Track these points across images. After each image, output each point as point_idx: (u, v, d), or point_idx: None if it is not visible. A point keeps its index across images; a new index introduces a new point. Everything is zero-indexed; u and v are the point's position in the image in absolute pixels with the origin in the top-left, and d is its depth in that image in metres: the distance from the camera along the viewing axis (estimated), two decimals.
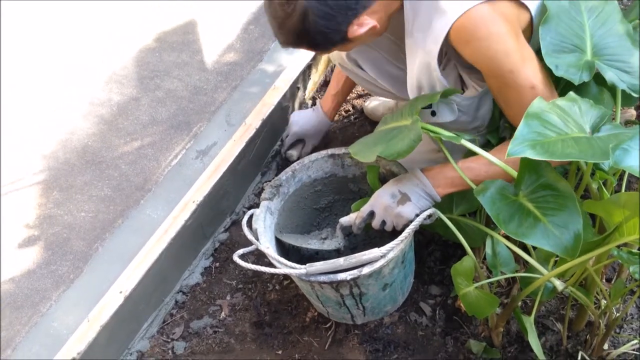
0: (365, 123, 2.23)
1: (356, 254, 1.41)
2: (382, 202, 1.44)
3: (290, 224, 1.75)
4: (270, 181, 1.69)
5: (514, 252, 1.35)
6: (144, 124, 2.15)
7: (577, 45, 1.30)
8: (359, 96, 2.32)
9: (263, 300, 1.80)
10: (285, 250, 1.70)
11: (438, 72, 1.35)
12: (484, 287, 1.37)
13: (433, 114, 1.47)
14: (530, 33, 1.37)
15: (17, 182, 2.00)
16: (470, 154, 1.50)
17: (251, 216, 1.59)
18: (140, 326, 1.72)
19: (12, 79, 2.36)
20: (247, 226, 1.55)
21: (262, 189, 1.98)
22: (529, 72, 1.28)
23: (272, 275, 1.84)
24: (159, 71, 2.34)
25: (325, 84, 2.38)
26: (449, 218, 1.41)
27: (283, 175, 1.68)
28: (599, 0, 1.35)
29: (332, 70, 2.32)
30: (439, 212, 1.43)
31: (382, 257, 1.40)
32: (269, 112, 2.05)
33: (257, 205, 1.68)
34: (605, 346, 1.51)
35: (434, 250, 1.83)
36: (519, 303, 1.46)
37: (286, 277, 1.82)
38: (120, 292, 1.63)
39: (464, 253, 1.39)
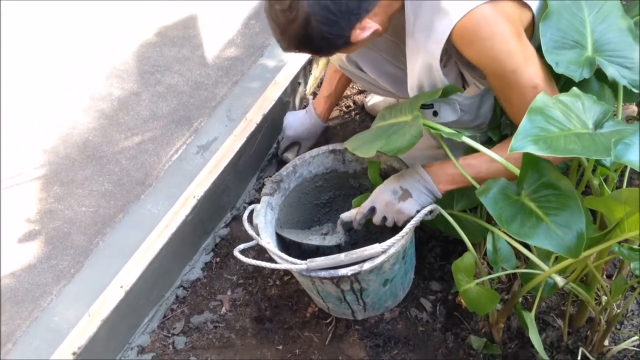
0: (366, 119, 2.23)
1: (357, 250, 1.41)
2: (383, 198, 1.44)
3: (291, 219, 1.75)
4: (271, 176, 1.69)
5: (514, 248, 1.35)
6: (144, 118, 2.15)
7: (578, 41, 1.29)
8: (360, 92, 2.32)
9: (264, 295, 1.80)
10: (286, 245, 1.70)
11: (440, 73, 1.35)
12: (484, 283, 1.37)
13: (435, 114, 1.47)
14: (532, 31, 1.36)
15: (18, 177, 2.00)
16: (471, 150, 1.50)
17: (252, 211, 1.59)
18: (140, 321, 1.73)
19: (13, 74, 2.36)
20: (247, 221, 1.55)
21: (263, 184, 1.98)
22: (532, 72, 1.28)
23: (273, 270, 1.84)
24: (159, 66, 2.34)
25: None
26: (449, 214, 1.41)
27: (284, 171, 1.68)
28: None
29: None
30: (439, 208, 1.43)
31: (383, 252, 1.40)
32: (269, 107, 2.05)
33: (257, 201, 1.68)
34: (606, 342, 1.51)
35: (434, 246, 1.83)
36: (520, 299, 1.46)
37: (287, 272, 1.82)
38: (121, 287, 1.63)
39: (464, 249, 1.39)
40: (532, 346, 1.38)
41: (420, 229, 1.79)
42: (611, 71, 1.26)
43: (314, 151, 1.71)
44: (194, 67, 2.33)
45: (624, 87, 1.29)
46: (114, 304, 1.60)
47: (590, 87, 1.32)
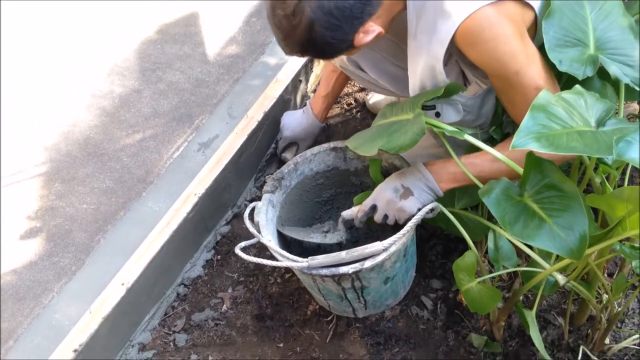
0: (367, 116, 2.23)
1: (358, 248, 1.41)
2: (384, 196, 1.44)
3: (292, 217, 1.75)
4: (272, 174, 1.69)
5: (516, 247, 1.35)
6: (145, 116, 2.15)
7: (580, 39, 1.29)
8: (361, 90, 2.32)
9: (264, 293, 1.80)
10: (287, 243, 1.70)
11: (443, 75, 1.34)
12: (486, 282, 1.37)
13: (437, 115, 1.47)
14: (535, 31, 1.36)
15: (19, 174, 2.00)
16: (473, 148, 1.50)
17: (253, 209, 1.59)
18: (141, 318, 1.73)
19: (15, 72, 2.36)
20: (249, 219, 1.55)
21: (264, 182, 1.98)
22: (534, 73, 1.28)
23: (274, 268, 1.84)
24: (160, 63, 2.34)
25: None
26: (450, 212, 1.41)
27: (285, 168, 1.68)
28: None
29: None
30: (441, 206, 1.43)
31: (384, 250, 1.40)
32: (271, 104, 2.05)
33: (258, 198, 1.68)
34: (607, 341, 1.51)
35: (435, 244, 1.83)
36: (521, 297, 1.46)
37: (288, 270, 1.83)
38: (122, 284, 1.63)
39: (465, 247, 1.39)
40: (533, 344, 1.38)
41: (422, 227, 1.79)
42: (614, 69, 1.26)
43: (315, 149, 1.71)
44: (195, 64, 2.33)
45: (626, 85, 1.28)
46: (115, 302, 1.60)
47: (593, 85, 1.31)
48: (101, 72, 2.32)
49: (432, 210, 1.43)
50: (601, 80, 1.33)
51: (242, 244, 1.53)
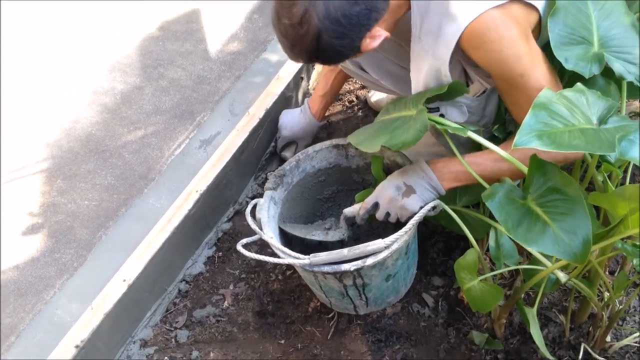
0: (369, 114, 2.23)
1: (360, 245, 1.41)
2: (386, 194, 1.44)
3: (293, 214, 1.75)
4: (274, 171, 1.69)
5: (517, 244, 1.35)
6: (147, 113, 2.15)
7: (585, 37, 1.29)
8: (363, 87, 2.32)
9: (266, 290, 1.80)
10: (289, 239, 1.70)
11: (449, 77, 1.34)
12: (487, 280, 1.37)
13: (441, 117, 1.47)
14: (539, 32, 1.36)
15: (21, 170, 2.00)
16: (475, 147, 1.50)
17: (255, 206, 1.59)
18: (143, 315, 1.73)
19: (16, 69, 2.36)
20: (250, 216, 1.55)
21: (266, 179, 1.98)
22: (539, 75, 1.27)
23: (275, 265, 1.84)
24: (162, 60, 2.34)
25: None
26: (452, 209, 1.41)
27: (287, 165, 1.68)
28: None
29: None
30: (443, 204, 1.43)
31: (386, 248, 1.40)
32: (272, 102, 2.05)
33: (260, 195, 1.68)
34: (608, 338, 1.51)
35: (436, 241, 1.83)
36: (522, 295, 1.46)
37: (289, 267, 1.83)
38: (124, 281, 1.63)
39: (466, 245, 1.39)
40: (534, 342, 1.37)
41: (423, 224, 1.79)
42: (618, 67, 1.26)
43: (317, 146, 1.71)
44: (196, 61, 2.33)
45: (629, 83, 1.28)
46: (117, 298, 1.60)
47: (597, 83, 1.31)
48: (103, 68, 2.32)
49: (434, 208, 1.43)
50: (605, 78, 1.32)
51: (244, 240, 1.53)
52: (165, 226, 1.74)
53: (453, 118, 1.46)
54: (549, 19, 1.28)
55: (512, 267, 1.42)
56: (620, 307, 1.46)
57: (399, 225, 1.45)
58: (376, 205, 1.48)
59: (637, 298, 1.65)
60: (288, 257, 1.46)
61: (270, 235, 1.53)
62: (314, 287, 1.65)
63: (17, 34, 2.49)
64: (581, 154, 1.33)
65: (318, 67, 2.31)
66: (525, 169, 1.17)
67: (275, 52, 2.30)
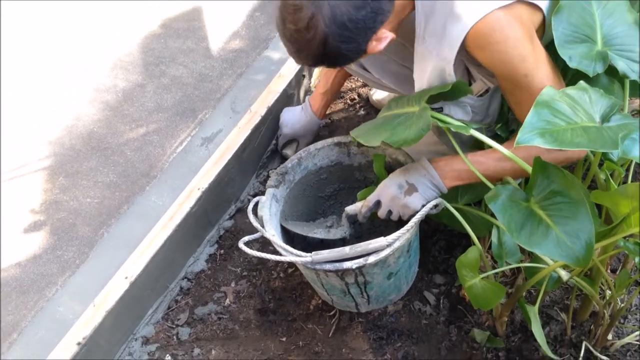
0: (370, 112, 2.23)
1: (362, 243, 1.41)
2: (389, 193, 1.44)
3: (295, 211, 1.76)
4: (276, 168, 1.69)
5: None
6: (149, 110, 2.15)
7: (588, 35, 1.29)
8: (365, 85, 2.31)
9: (267, 287, 1.81)
10: (290, 237, 1.70)
11: (453, 77, 1.34)
12: (489, 278, 1.37)
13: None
14: (543, 32, 1.36)
15: (23, 168, 2.01)
16: (477, 146, 1.50)
17: (257, 203, 1.59)
18: (145, 312, 1.73)
19: (18, 66, 2.36)
20: (252, 213, 1.55)
21: (268, 176, 1.98)
22: (543, 76, 1.27)
23: (277, 262, 1.84)
24: (164, 58, 2.34)
25: None
26: (454, 207, 1.41)
27: (289, 163, 1.68)
28: None
29: None
30: (445, 202, 1.43)
31: (388, 246, 1.40)
32: (274, 99, 2.05)
33: (262, 193, 1.68)
34: (609, 336, 1.51)
35: (438, 239, 1.83)
36: (524, 293, 1.46)
37: (291, 264, 1.83)
38: (126, 278, 1.63)
39: (468, 243, 1.39)
40: (535, 340, 1.38)
41: (425, 222, 1.79)
42: (621, 65, 1.26)
43: (319, 143, 1.71)
44: (198, 59, 2.32)
45: (631, 81, 1.28)
46: (119, 295, 1.60)
47: (600, 81, 1.31)
48: (104, 66, 2.32)
49: (436, 206, 1.43)
50: (608, 77, 1.32)
51: (246, 238, 1.53)
52: (167, 224, 1.74)
53: (457, 118, 1.46)
54: (553, 17, 1.27)
55: (514, 265, 1.43)
56: (622, 305, 1.46)
57: (401, 223, 1.46)
58: (378, 203, 1.48)
59: (639, 296, 1.65)
60: (290, 254, 1.46)
61: (272, 232, 1.53)
62: (315, 284, 1.65)
63: (19, 32, 2.49)
64: (583, 154, 1.33)
65: None
66: (528, 168, 1.17)
67: (277, 50, 2.30)
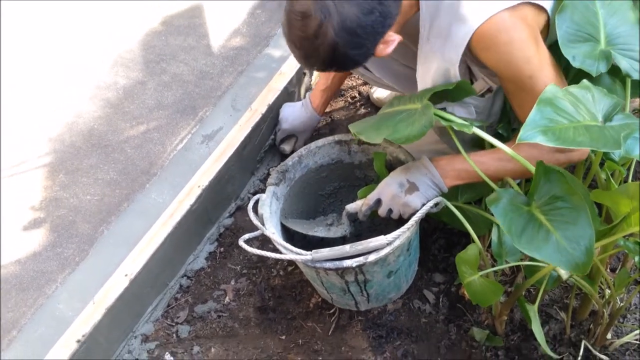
0: (371, 110, 2.22)
1: (362, 241, 1.41)
2: (389, 191, 1.44)
3: (295, 209, 1.76)
4: (276, 166, 1.69)
5: None
6: (149, 108, 2.15)
7: (592, 34, 1.29)
8: (366, 83, 2.31)
9: (267, 285, 1.81)
10: (290, 235, 1.70)
11: (458, 78, 1.34)
12: (488, 276, 1.38)
13: None
14: (547, 32, 1.36)
15: (23, 165, 2.00)
16: (477, 145, 1.50)
17: (257, 201, 1.59)
18: (144, 309, 1.73)
19: (19, 63, 2.35)
20: (253, 211, 1.55)
21: (268, 174, 1.97)
22: (547, 78, 1.27)
23: (277, 260, 1.84)
24: (165, 55, 2.33)
25: None
26: (454, 206, 1.41)
27: (289, 161, 1.68)
28: None
29: None
30: (445, 200, 1.43)
31: (388, 244, 1.40)
32: (275, 97, 2.05)
33: (262, 191, 1.68)
34: (609, 335, 1.52)
35: (438, 238, 1.83)
36: (523, 291, 1.46)
37: (290, 262, 1.83)
38: (126, 276, 1.63)
39: (468, 241, 1.39)
40: (535, 339, 1.38)
41: (425, 220, 1.79)
42: (624, 64, 1.25)
43: (320, 142, 1.71)
44: (199, 56, 2.32)
45: (632, 80, 1.28)
46: (119, 293, 1.60)
47: (603, 82, 1.31)
48: (105, 63, 2.32)
49: (436, 205, 1.43)
50: (610, 76, 1.32)
51: (246, 236, 1.53)
52: (167, 221, 1.74)
53: (461, 117, 1.45)
54: (557, 16, 1.27)
55: (514, 264, 1.42)
56: (621, 304, 1.46)
57: (401, 221, 1.46)
58: (379, 202, 1.48)
59: (638, 295, 1.65)
60: (290, 252, 1.46)
61: (272, 230, 1.53)
62: (315, 283, 1.65)
63: (20, 28, 2.49)
64: (584, 156, 1.33)
65: None
66: (531, 168, 1.17)
67: (278, 48, 2.30)
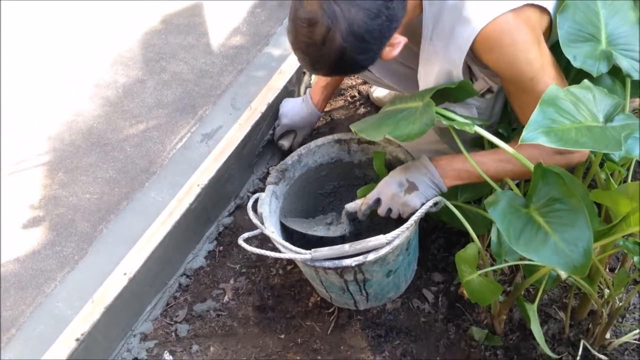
0: (371, 109, 2.22)
1: (362, 240, 1.41)
2: (389, 191, 1.44)
3: (295, 208, 1.76)
4: (276, 165, 1.69)
5: None
6: (149, 106, 2.15)
7: (593, 34, 1.29)
8: (365, 82, 2.31)
9: (266, 284, 1.81)
10: (290, 234, 1.70)
11: (461, 79, 1.34)
12: (487, 275, 1.38)
13: None
14: (549, 33, 1.36)
15: (22, 163, 2.00)
16: (477, 145, 1.50)
17: (256, 200, 1.59)
18: (143, 308, 1.73)
19: (19, 61, 2.35)
20: (252, 210, 1.55)
21: (267, 173, 1.97)
22: (548, 79, 1.27)
23: (276, 259, 1.84)
24: (164, 53, 2.33)
25: None
26: (453, 205, 1.41)
27: (289, 160, 1.68)
28: None
29: None
30: (445, 200, 1.43)
31: (387, 244, 1.40)
32: (274, 96, 2.04)
33: (261, 190, 1.68)
34: (607, 335, 1.52)
35: (437, 237, 1.83)
36: (522, 291, 1.46)
37: (290, 261, 1.83)
38: (125, 274, 1.63)
39: (467, 240, 1.39)
40: (534, 338, 1.38)
41: (424, 220, 1.78)
42: (625, 65, 1.25)
43: (319, 140, 1.71)
44: (199, 55, 2.32)
45: (632, 81, 1.28)
46: (118, 291, 1.60)
47: (603, 82, 1.30)
48: (105, 62, 2.31)
49: (435, 204, 1.43)
50: (611, 77, 1.32)
51: (245, 235, 1.53)
52: (167, 220, 1.74)
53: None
54: (558, 15, 1.27)
55: (513, 263, 1.42)
56: (620, 304, 1.46)
57: (400, 221, 1.45)
58: (378, 201, 1.48)
59: (637, 295, 1.65)
60: (289, 251, 1.46)
61: (272, 229, 1.53)
62: (314, 282, 1.65)
63: (20, 28, 2.48)
64: (584, 158, 1.33)
65: None
66: (531, 167, 1.17)
67: (278, 46, 2.30)
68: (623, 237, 1.16)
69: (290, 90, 2.13)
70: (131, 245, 1.70)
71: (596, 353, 1.50)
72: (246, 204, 1.58)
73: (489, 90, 1.45)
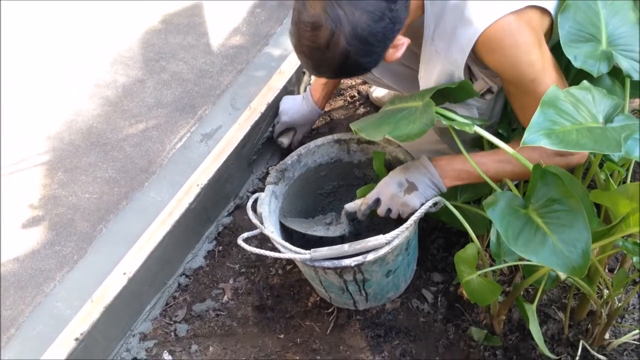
0: (370, 109, 2.22)
1: (361, 240, 1.41)
2: (388, 191, 1.44)
3: (294, 208, 1.76)
4: (275, 165, 1.69)
5: None
6: (149, 106, 2.15)
7: (593, 34, 1.29)
8: (365, 82, 2.31)
9: (266, 284, 1.81)
10: (289, 234, 1.70)
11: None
12: (487, 275, 1.38)
13: None
14: (550, 35, 1.36)
15: (22, 163, 2.00)
16: (476, 145, 1.50)
17: (256, 200, 1.59)
18: (143, 308, 1.73)
19: (18, 61, 2.35)
20: (252, 210, 1.55)
21: (267, 173, 1.97)
22: (549, 81, 1.27)
23: (275, 259, 1.84)
24: (164, 53, 2.33)
25: None
26: (453, 205, 1.41)
27: (288, 160, 1.68)
28: None
29: None
30: (444, 200, 1.43)
31: (387, 244, 1.40)
32: (274, 96, 2.04)
33: (261, 190, 1.68)
34: (607, 336, 1.52)
35: (437, 237, 1.83)
36: (522, 291, 1.46)
37: (289, 261, 1.83)
38: (124, 274, 1.63)
39: (467, 241, 1.39)
40: (533, 338, 1.38)
41: (424, 220, 1.78)
42: (625, 65, 1.25)
43: (319, 140, 1.71)
44: (199, 55, 2.32)
45: (631, 81, 1.28)
46: (117, 291, 1.60)
47: (603, 83, 1.30)
48: (105, 61, 2.31)
49: (435, 204, 1.43)
50: (611, 77, 1.32)
51: (245, 234, 1.53)
52: (166, 220, 1.74)
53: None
54: (559, 15, 1.27)
55: (512, 263, 1.42)
56: (619, 304, 1.46)
57: (400, 221, 1.46)
58: (378, 201, 1.48)
59: (636, 296, 1.65)
60: (288, 251, 1.46)
61: (271, 229, 1.53)
62: (313, 282, 1.65)
63: (20, 27, 2.48)
64: (583, 160, 1.33)
65: None
66: (531, 167, 1.17)
67: (278, 46, 2.30)
68: (622, 237, 1.16)
69: (289, 90, 2.13)
70: (130, 245, 1.69)
71: (595, 353, 1.50)
72: (246, 204, 1.58)
73: (489, 91, 1.45)
